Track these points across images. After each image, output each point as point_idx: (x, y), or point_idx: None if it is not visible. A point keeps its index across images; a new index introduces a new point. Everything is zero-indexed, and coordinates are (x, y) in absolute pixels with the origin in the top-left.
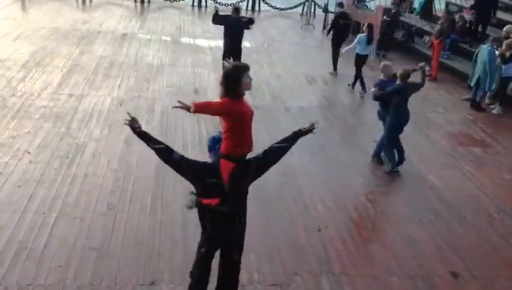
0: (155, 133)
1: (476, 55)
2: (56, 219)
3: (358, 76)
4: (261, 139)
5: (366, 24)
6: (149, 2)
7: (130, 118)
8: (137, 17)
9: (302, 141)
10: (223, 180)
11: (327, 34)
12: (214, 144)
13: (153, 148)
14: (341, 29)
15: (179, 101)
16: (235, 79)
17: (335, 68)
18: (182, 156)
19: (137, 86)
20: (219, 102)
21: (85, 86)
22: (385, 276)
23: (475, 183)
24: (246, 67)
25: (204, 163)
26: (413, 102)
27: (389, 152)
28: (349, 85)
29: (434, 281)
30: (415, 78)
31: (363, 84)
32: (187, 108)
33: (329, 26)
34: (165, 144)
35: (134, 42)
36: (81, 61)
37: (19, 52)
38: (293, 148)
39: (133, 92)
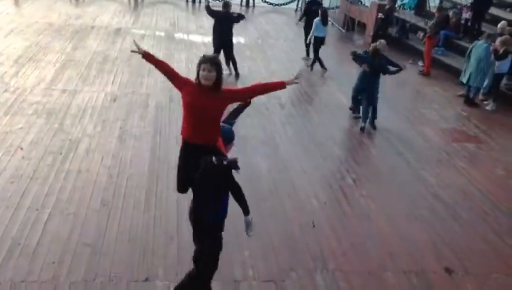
0: (150, 130)
1: (470, 51)
2: (49, 215)
3: (316, 57)
4: (256, 135)
5: (321, 10)
6: None
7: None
8: (131, 12)
9: (296, 137)
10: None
11: (299, 21)
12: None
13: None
14: (313, 15)
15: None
16: (197, 66)
17: (307, 54)
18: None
19: (131, 81)
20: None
21: (78, 81)
22: (380, 272)
23: (469, 180)
24: (205, 60)
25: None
26: (407, 98)
27: (366, 109)
28: (308, 66)
29: (428, 277)
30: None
31: (322, 65)
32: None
33: (302, 12)
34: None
35: (128, 37)
36: (75, 56)
37: (11, 47)
38: (287, 144)
39: (127, 88)
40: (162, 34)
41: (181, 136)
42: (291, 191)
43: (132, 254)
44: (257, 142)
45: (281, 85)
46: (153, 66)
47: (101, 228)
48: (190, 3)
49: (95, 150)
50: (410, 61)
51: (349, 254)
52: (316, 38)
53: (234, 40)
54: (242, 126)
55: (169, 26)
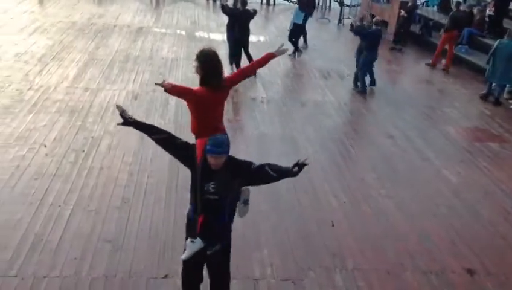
0: (171, 127)
1: (496, 49)
2: (72, 212)
3: (296, 44)
4: (275, 133)
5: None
6: None
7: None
8: (153, 11)
9: (315, 135)
10: None
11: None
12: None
13: (152, 139)
14: (306, 5)
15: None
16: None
17: (304, 41)
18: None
19: (152, 79)
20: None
21: (100, 79)
22: (399, 271)
23: (491, 179)
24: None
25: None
26: (430, 96)
27: (362, 78)
28: (289, 55)
29: (448, 277)
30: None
31: (296, 49)
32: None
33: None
34: (168, 133)
35: (150, 36)
36: (97, 55)
37: (35, 46)
38: (306, 142)
39: (148, 86)
40: (183, 32)
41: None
42: (310, 189)
43: (152, 250)
44: (276, 139)
45: (271, 56)
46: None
47: (121, 225)
48: (211, 2)
49: (117, 147)
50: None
51: (368, 253)
52: (295, 24)
53: (254, 38)
54: (261, 123)
55: (190, 24)
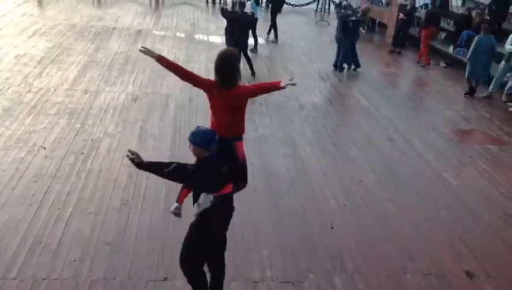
0: (169, 130)
1: (475, 46)
2: (71, 214)
3: (255, 37)
4: (275, 135)
5: None
6: None
7: (131, 155)
8: (152, 13)
9: (315, 137)
10: (236, 162)
11: (266, 8)
12: (210, 136)
13: (165, 175)
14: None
15: (142, 47)
16: (238, 66)
17: (276, 36)
18: (193, 168)
19: (151, 82)
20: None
21: (100, 82)
22: (399, 274)
23: (491, 182)
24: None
25: (215, 158)
26: (428, 99)
27: (347, 58)
28: (252, 50)
29: (448, 280)
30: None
31: (256, 43)
32: (151, 54)
33: None
34: (175, 163)
35: (149, 38)
36: (97, 57)
37: (35, 48)
38: (306, 144)
39: (148, 88)
40: (182, 35)
41: (242, 137)
42: (310, 191)
43: (151, 253)
44: (276, 141)
45: (277, 85)
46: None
47: (121, 227)
48: (210, 5)
49: (116, 149)
50: (432, 62)
51: (368, 256)
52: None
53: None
54: (261, 125)
55: (189, 27)
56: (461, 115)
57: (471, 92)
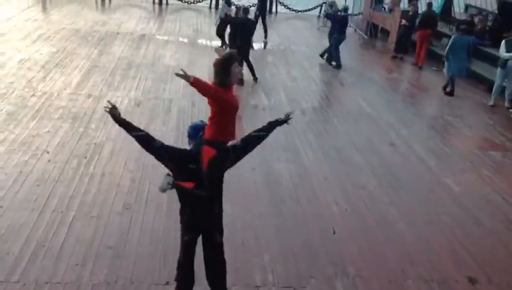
0: (172, 135)
1: (451, 45)
2: (74, 218)
3: (223, 36)
4: (277, 141)
5: None
6: (167, 4)
7: (110, 106)
8: (155, 18)
9: (317, 143)
10: (202, 166)
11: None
12: (196, 131)
13: (133, 136)
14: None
15: (181, 70)
16: (226, 68)
17: (265, 36)
18: (162, 143)
19: (154, 86)
20: (212, 85)
21: (103, 86)
22: (400, 280)
23: (494, 188)
24: (235, 58)
25: (185, 149)
26: (431, 104)
27: (336, 55)
28: (222, 47)
29: (450, 286)
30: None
31: (223, 42)
32: (187, 78)
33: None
34: (145, 132)
35: (152, 43)
36: (100, 62)
37: (39, 53)
38: (308, 149)
39: (150, 93)
40: (185, 40)
41: (212, 143)
42: (312, 196)
43: (153, 257)
44: (278, 147)
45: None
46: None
47: (123, 231)
48: (213, 10)
49: (119, 154)
50: (434, 68)
51: (369, 261)
52: (221, 18)
53: (256, 46)
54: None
55: (192, 32)
56: (464, 121)
57: (450, 90)
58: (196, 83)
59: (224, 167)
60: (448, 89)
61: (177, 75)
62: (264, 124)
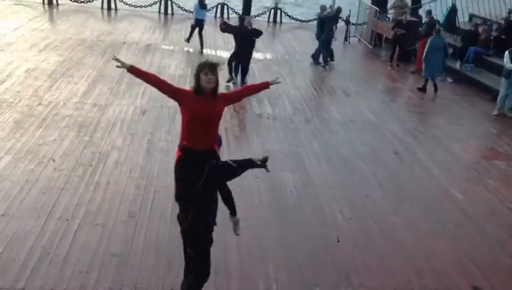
0: (176, 144)
1: (428, 46)
2: (79, 226)
3: (201, 37)
4: (282, 149)
5: None
6: (172, 13)
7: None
8: (161, 28)
9: (322, 151)
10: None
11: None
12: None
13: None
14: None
15: (114, 55)
16: (196, 75)
17: (189, 39)
18: None
19: (159, 95)
20: (155, 75)
21: (109, 95)
22: (405, 289)
23: (498, 198)
24: (205, 65)
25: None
26: (435, 114)
27: (325, 54)
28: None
29: None
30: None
31: (202, 45)
32: (123, 65)
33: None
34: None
35: (158, 53)
36: (106, 71)
37: (45, 62)
38: (312, 158)
39: (156, 102)
40: (191, 50)
41: (180, 146)
42: (316, 205)
43: (158, 265)
44: (282, 156)
45: (265, 85)
46: (145, 81)
47: (128, 239)
48: (218, 20)
49: (124, 162)
50: (439, 78)
51: (374, 270)
52: (196, 19)
53: (261, 55)
54: (268, 140)
55: (197, 42)
56: (468, 131)
57: (423, 89)
58: (134, 71)
59: (186, 172)
60: (421, 86)
61: (114, 58)
62: (245, 158)
